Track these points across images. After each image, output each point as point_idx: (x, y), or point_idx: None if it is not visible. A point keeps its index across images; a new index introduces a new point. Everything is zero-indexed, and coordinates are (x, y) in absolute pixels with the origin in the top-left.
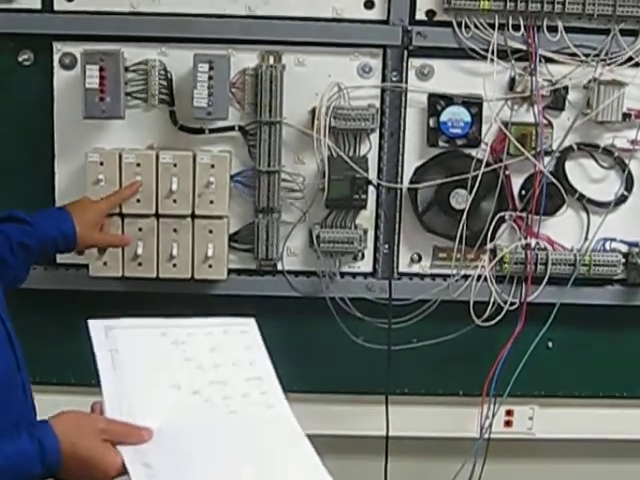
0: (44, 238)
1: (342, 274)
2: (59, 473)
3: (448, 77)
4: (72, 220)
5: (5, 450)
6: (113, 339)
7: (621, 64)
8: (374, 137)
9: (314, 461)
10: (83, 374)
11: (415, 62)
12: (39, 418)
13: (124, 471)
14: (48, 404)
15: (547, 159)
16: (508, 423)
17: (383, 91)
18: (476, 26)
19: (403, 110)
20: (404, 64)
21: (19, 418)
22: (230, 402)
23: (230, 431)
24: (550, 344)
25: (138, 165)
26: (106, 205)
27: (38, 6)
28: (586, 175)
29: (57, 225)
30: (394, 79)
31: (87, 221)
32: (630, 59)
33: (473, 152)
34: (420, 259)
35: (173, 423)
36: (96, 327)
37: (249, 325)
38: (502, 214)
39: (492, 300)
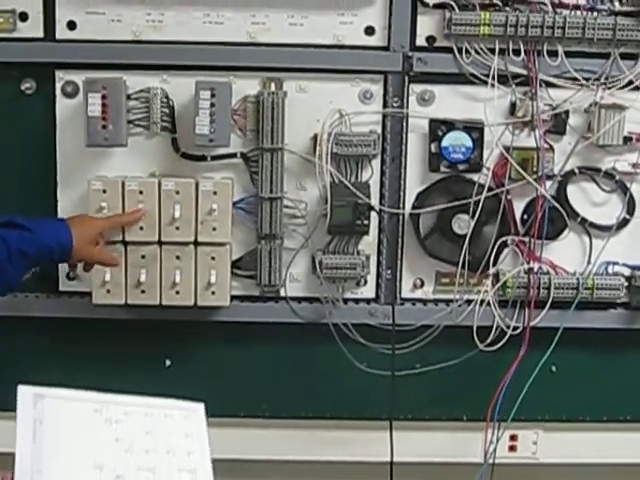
0: (42, 247)
1: (345, 300)
2: None
3: (449, 102)
4: (71, 232)
5: None
6: (40, 409)
7: (621, 88)
8: (376, 163)
9: None
10: None
11: (416, 88)
12: None
13: None
14: None
15: (549, 183)
16: (512, 448)
17: (384, 117)
18: (476, 51)
19: (404, 136)
20: (405, 90)
21: None
22: None
23: None
24: (554, 368)
25: (141, 192)
26: (105, 223)
27: (40, 35)
28: (588, 199)
29: (56, 235)
30: (395, 105)
31: (84, 235)
32: (630, 83)
33: (475, 177)
34: (423, 284)
35: None
36: (25, 394)
37: (196, 411)
38: (504, 239)
39: (495, 325)
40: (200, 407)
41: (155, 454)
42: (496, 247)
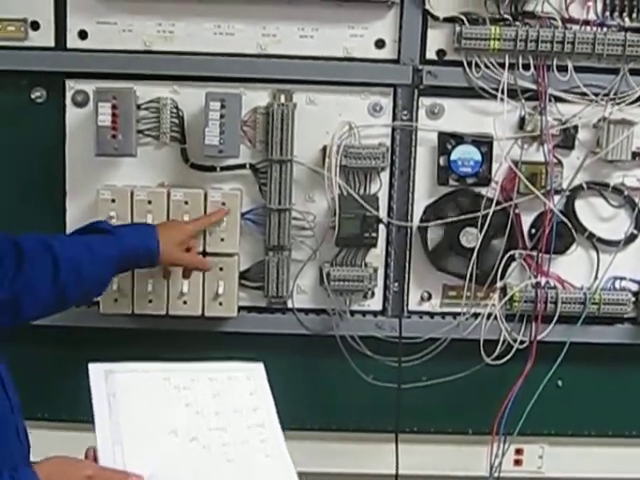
0: (126, 249)
1: (352, 312)
2: None
3: (458, 116)
4: (157, 236)
5: None
6: (112, 383)
7: (630, 103)
8: (384, 175)
9: None
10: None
11: (425, 101)
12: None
13: None
14: (57, 441)
15: (557, 198)
16: (518, 462)
17: (393, 130)
18: (486, 65)
19: (413, 149)
20: (414, 103)
21: (12, 461)
22: (228, 449)
23: (226, 478)
24: (560, 383)
25: (149, 202)
26: (193, 226)
27: (51, 44)
28: (596, 214)
29: (141, 238)
30: (404, 118)
31: (172, 239)
32: (639, 98)
33: (483, 191)
34: (430, 297)
35: (166, 471)
36: (96, 371)
37: (256, 371)
38: (512, 253)
39: (502, 338)
40: (260, 366)
41: (224, 414)
42: (504, 261)
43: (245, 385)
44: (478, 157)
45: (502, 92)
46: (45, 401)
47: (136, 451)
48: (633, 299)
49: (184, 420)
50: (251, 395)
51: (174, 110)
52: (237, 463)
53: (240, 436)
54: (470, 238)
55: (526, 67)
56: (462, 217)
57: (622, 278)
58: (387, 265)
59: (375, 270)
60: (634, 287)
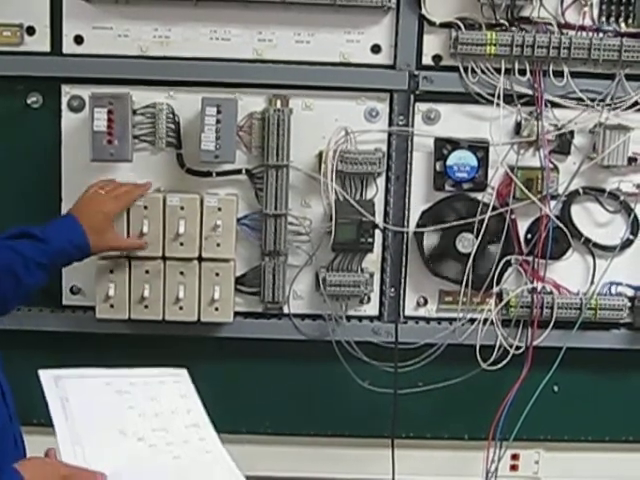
0: (57, 253)
1: (348, 317)
2: None
3: (454, 121)
4: (82, 229)
5: None
6: (63, 388)
7: (626, 109)
8: (380, 181)
9: None
10: None
11: (421, 106)
12: None
13: None
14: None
15: (553, 203)
16: (514, 467)
17: (390, 135)
18: (482, 71)
19: (409, 154)
20: (410, 108)
21: None
22: (173, 448)
23: (178, 475)
24: (556, 388)
25: (145, 208)
26: (114, 207)
27: (47, 49)
28: (592, 219)
29: (68, 237)
30: (400, 123)
31: (97, 227)
32: (635, 104)
33: (479, 196)
34: (426, 303)
35: (125, 468)
36: (46, 377)
37: (182, 375)
38: (508, 258)
39: (498, 344)
40: (184, 371)
41: (163, 416)
42: (500, 266)
43: (175, 388)
44: (474, 162)
45: (498, 97)
46: (42, 407)
47: (95, 450)
48: (629, 304)
49: (130, 421)
50: (182, 398)
51: (170, 115)
52: (183, 460)
53: (181, 435)
54: (466, 243)
55: (522, 72)
56: (458, 222)
57: (618, 283)
58: (383, 270)
59: (371, 275)
60: (630, 292)
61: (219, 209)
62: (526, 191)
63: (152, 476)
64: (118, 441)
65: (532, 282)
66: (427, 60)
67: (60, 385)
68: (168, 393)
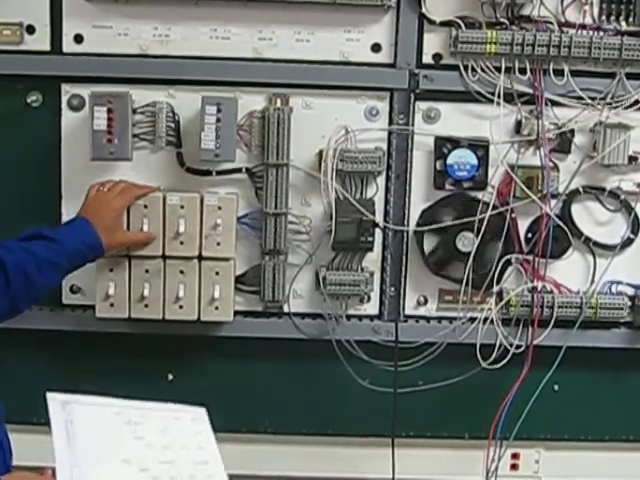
0: (72, 254)
1: (348, 316)
2: None
3: (454, 120)
4: (94, 229)
5: None
6: (69, 412)
7: (627, 107)
8: (381, 180)
9: None
10: None
11: (422, 105)
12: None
13: None
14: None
15: (553, 202)
16: (514, 466)
17: (390, 134)
18: (482, 69)
19: (410, 153)
20: (411, 107)
21: None
22: None
23: None
24: (556, 387)
25: (145, 207)
26: (121, 203)
27: (47, 48)
28: (592, 218)
29: (81, 238)
30: (401, 122)
31: (108, 225)
32: (636, 102)
33: (479, 195)
34: (426, 302)
35: None
36: (54, 400)
37: (199, 414)
38: (508, 257)
39: (498, 343)
40: (203, 410)
41: (172, 449)
42: (500, 265)
43: (190, 425)
44: (474, 161)
45: (498, 96)
46: (41, 406)
47: (92, 475)
48: (629, 303)
49: (136, 451)
50: (195, 435)
51: (170, 114)
52: None
53: (187, 470)
54: (466, 242)
55: (522, 71)
56: (458, 221)
57: (619, 282)
58: (383, 269)
59: (371, 274)
60: (630, 291)
61: (219, 208)
62: (526, 190)
63: None
64: (120, 469)
65: (532, 281)
66: (427, 59)
67: (67, 409)
68: (181, 428)
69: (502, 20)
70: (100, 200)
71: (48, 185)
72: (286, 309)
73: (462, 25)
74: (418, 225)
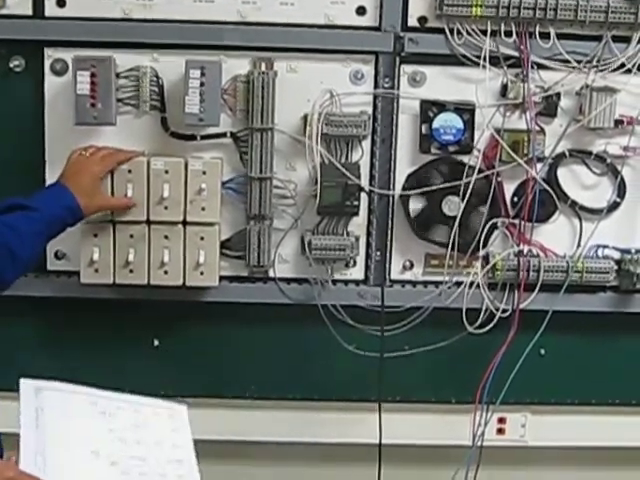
0: (52, 220)
1: (334, 281)
2: None
3: (440, 84)
4: (71, 193)
5: None
6: (42, 398)
7: (613, 70)
8: (366, 144)
9: None
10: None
11: (407, 69)
12: None
13: None
14: None
15: (539, 166)
16: (501, 431)
17: (375, 98)
18: (468, 32)
19: (395, 117)
20: (396, 71)
21: None
22: (145, 479)
23: None
24: (543, 351)
25: (129, 172)
26: (99, 168)
27: (29, 12)
28: (578, 182)
29: (59, 202)
30: (386, 86)
31: (85, 189)
32: (622, 65)
33: (465, 159)
34: (412, 266)
35: None
36: (27, 387)
37: (179, 411)
38: (494, 221)
39: (484, 307)
40: (184, 408)
41: (145, 445)
42: (486, 229)
43: (167, 422)
44: (460, 125)
45: (484, 59)
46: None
47: (57, 464)
48: (615, 267)
49: (106, 444)
50: (172, 432)
51: (154, 78)
52: None
53: (159, 468)
54: (452, 206)
55: (508, 34)
56: (444, 185)
57: (605, 246)
58: (369, 234)
59: (357, 239)
60: (616, 255)
61: (204, 173)
62: (512, 154)
63: None
64: (87, 461)
65: (518, 245)
66: (412, 22)
67: (40, 396)
68: (157, 424)
69: None
70: (79, 164)
71: (31, 150)
72: (272, 274)
73: None
74: (404, 189)
